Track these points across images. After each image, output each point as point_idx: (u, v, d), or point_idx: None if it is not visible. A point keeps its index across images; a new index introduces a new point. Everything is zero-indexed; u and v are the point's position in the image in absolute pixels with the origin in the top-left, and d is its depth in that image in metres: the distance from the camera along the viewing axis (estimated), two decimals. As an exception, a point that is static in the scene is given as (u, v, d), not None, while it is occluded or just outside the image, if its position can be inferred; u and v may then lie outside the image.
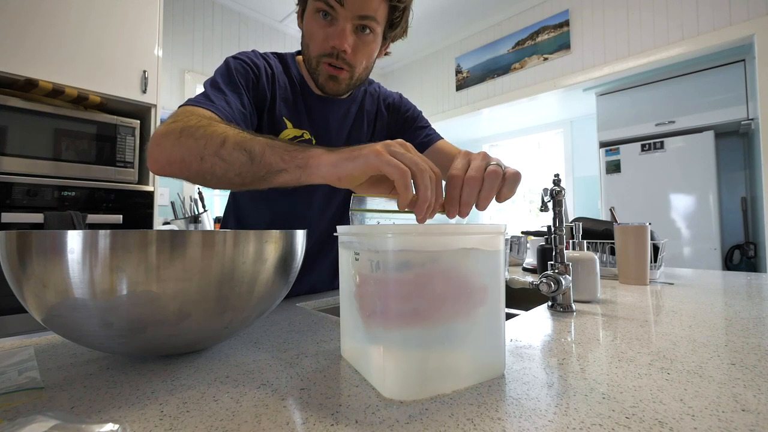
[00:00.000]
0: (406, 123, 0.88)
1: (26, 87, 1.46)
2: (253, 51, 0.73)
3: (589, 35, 2.57)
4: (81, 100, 1.60)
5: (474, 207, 0.39)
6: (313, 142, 0.77)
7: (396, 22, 0.67)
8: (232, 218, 0.84)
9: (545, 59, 2.78)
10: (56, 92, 1.52)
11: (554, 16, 2.75)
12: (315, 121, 0.77)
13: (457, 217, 0.38)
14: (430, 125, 0.90)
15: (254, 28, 3.00)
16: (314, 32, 0.64)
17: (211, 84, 0.64)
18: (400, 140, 0.39)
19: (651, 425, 0.25)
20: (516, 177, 0.40)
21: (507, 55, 3.02)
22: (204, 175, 0.47)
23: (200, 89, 2.94)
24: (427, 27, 3.25)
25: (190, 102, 0.57)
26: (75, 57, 1.59)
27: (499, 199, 0.41)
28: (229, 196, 0.86)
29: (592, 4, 2.56)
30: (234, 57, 0.69)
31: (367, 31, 0.64)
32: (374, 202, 0.41)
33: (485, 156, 0.41)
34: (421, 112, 0.91)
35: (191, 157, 0.47)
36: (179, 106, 0.56)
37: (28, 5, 1.48)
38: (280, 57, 0.77)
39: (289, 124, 0.74)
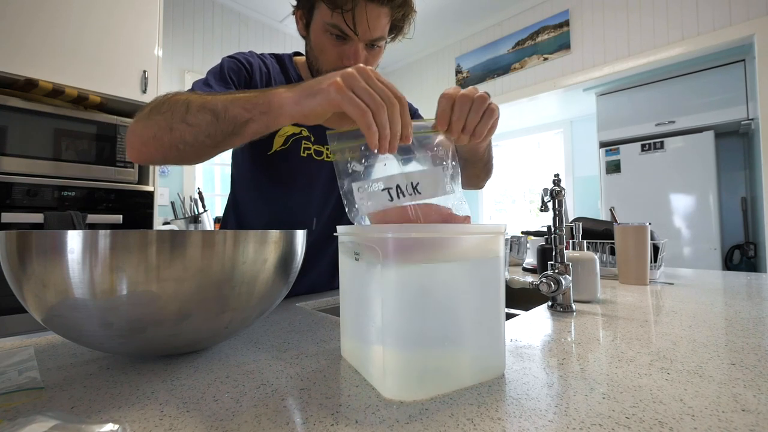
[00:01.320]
0: None
1: (26, 87, 1.46)
2: (249, 51, 0.73)
3: (589, 35, 2.57)
4: (81, 100, 1.60)
5: (468, 138, 0.42)
6: (312, 139, 0.77)
7: (396, 32, 0.69)
8: (232, 218, 0.84)
9: (545, 59, 2.78)
10: (56, 92, 1.52)
11: (554, 16, 2.75)
12: None
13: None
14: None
15: (254, 28, 3.00)
16: (326, 49, 0.64)
17: (202, 81, 0.64)
18: (359, 66, 0.38)
19: (651, 425, 0.25)
20: (495, 113, 0.44)
21: (507, 55, 3.02)
22: (177, 146, 0.46)
23: (200, 89, 2.86)
24: (427, 27, 3.25)
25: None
26: (75, 57, 1.59)
27: (479, 133, 0.44)
28: (229, 196, 0.86)
29: (592, 5, 2.56)
30: (229, 57, 0.69)
31: (376, 47, 0.66)
32: (351, 134, 0.40)
33: (475, 89, 0.44)
34: (417, 109, 0.91)
35: (161, 132, 0.46)
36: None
37: (29, 5, 1.48)
38: (278, 58, 0.77)
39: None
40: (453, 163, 0.40)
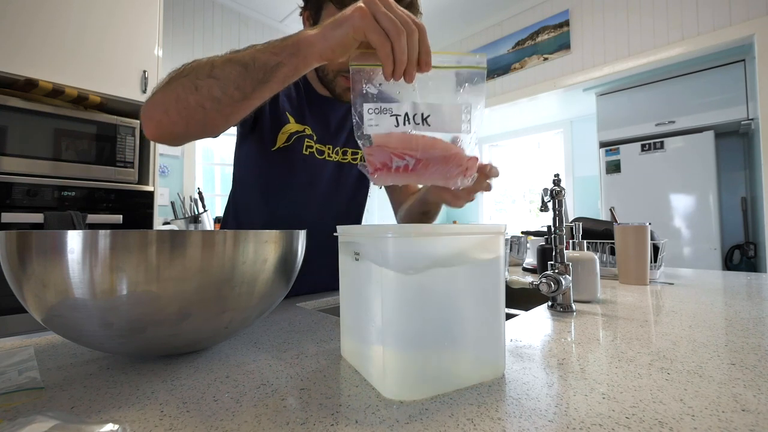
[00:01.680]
0: None
1: (26, 87, 1.46)
2: None
3: (589, 35, 2.57)
4: (81, 100, 1.60)
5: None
6: (315, 138, 0.78)
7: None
8: (232, 219, 0.84)
9: (545, 59, 2.78)
10: (56, 92, 1.52)
11: (554, 16, 2.75)
12: (316, 119, 0.78)
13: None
14: None
15: (254, 28, 3.00)
16: None
17: None
18: None
19: (651, 425, 0.25)
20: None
21: (507, 55, 3.02)
22: (203, 106, 0.45)
23: (200, 89, 2.88)
24: (427, 27, 3.24)
25: None
26: (75, 57, 1.59)
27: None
28: (230, 196, 0.86)
29: (592, 5, 2.56)
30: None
31: None
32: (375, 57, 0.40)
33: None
34: None
35: (185, 92, 0.45)
36: None
37: (29, 5, 1.48)
38: None
39: (291, 119, 0.75)
40: (479, 105, 0.40)
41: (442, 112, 0.39)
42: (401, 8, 0.39)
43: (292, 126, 0.75)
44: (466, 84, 0.40)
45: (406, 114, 0.38)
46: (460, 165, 0.41)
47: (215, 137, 0.53)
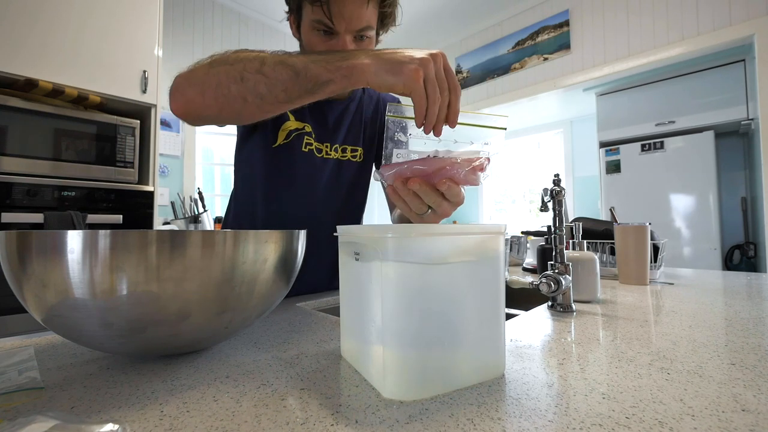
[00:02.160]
0: (375, 140, 0.90)
1: (26, 87, 1.46)
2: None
3: (589, 35, 2.57)
4: (81, 100, 1.60)
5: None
6: (314, 135, 0.78)
7: (386, 22, 0.69)
8: (232, 217, 0.85)
9: (545, 59, 2.78)
10: (56, 92, 1.52)
11: (554, 16, 2.75)
12: (315, 117, 0.79)
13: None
14: None
15: (254, 28, 3.00)
16: (316, 46, 0.65)
17: None
18: (435, 54, 0.42)
19: (651, 425, 0.25)
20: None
21: (507, 55, 3.02)
22: (245, 98, 0.46)
23: (200, 89, 2.84)
24: (427, 27, 3.25)
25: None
26: (75, 57, 1.59)
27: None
28: (231, 195, 0.86)
29: (592, 5, 2.56)
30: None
31: (365, 38, 0.65)
32: (409, 111, 0.45)
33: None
34: None
35: (228, 80, 0.46)
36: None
37: (29, 6, 1.48)
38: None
39: (291, 117, 0.76)
40: (495, 152, 0.44)
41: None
42: (447, 67, 0.43)
43: (292, 123, 0.76)
44: (488, 139, 0.46)
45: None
46: (463, 166, 0.44)
47: (241, 125, 0.53)
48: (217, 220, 2.56)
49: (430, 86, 0.42)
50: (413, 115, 0.43)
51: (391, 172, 0.41)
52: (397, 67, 0.42)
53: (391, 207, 0.93)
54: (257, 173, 0.79)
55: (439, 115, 0.43)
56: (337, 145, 0.82)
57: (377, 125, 0.88)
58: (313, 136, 0.78)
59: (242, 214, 0.83)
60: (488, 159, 0.41)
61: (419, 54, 0.42)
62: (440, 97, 0.42)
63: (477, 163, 0.41)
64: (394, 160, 0.43)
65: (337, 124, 0.82)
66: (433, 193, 0.40)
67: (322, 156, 0.79)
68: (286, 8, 0.70)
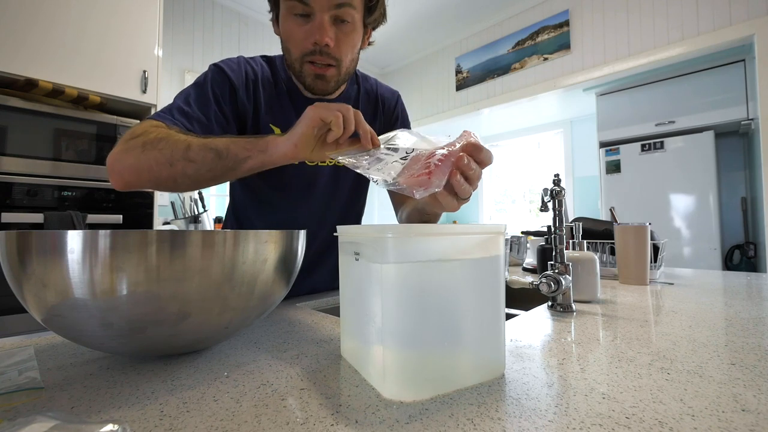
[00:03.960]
0: (391, 126, 0.85)
1: (26, 87, 1.46)
2: (238, 57, 0.72)
3: (589, 35, 2.57)
4: (81, 100, 1.60)
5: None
6: None
7: (373, 6, 0.65)
8: (233, 223, 0.84)
9: (545, 59, 2.78)
10: (56, 92, 1.52)
11: (554, 16, 2.75)
12: None
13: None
14: None
15: (254, 28, 3.00)
16: (292, 32, 0.62)
17: (184, 96, 0.65)
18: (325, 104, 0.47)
19: (651, 425, 0.25)
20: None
21: (507, 55, 3.02)
22: (175, 179, 0.51)
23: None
24: (427, 27, 3.25)
25: (152, 117, 0.60)
26: (75, 57, 1.59)
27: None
28: (229, 200, 0.86)
29: (592, 4, 2.56)
30: (216, 65, 0.68)
31: (346, 21, 0.62)
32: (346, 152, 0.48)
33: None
34: (409, 125, 0.89)
35: (159, 166, 0.51)
36: (143, 120, 0.59)
37: (29, 5, 1.48)
38: (269, 60, 0.75)
39: (277, 131, 0.71)
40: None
41: (424, 143, 0.46)
42: (343, 105, 0.47)
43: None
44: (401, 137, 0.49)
45: (404, 157, 0.44)
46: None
47: None
48: (217, 220, 2.56)
49: (333, 107, 0.46)
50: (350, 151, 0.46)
51: (435, 175, 0.39)
52: (297, 121, 0.47)
53: (396, 206, 0.91)
54: (251, 190, 0.77)
55: (363, 127, 0.46)
56: None
57: (380, 125, 0.84)
58: None
59: (243, 222, 0.82)
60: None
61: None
62: (349, 108, 0.46)
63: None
64: (382, 182, 0.42)
65: None
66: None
67: (315, 164, 0.75)
68: (269, 9, 0.68)
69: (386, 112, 0.85)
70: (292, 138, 0.47)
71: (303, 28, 0.61)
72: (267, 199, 0.77)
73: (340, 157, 0.46)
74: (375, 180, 0.42)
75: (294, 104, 0.74)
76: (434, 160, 0.40)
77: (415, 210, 0.73)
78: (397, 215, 0.90)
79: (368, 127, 0.47)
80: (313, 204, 0.78)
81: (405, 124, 0.87)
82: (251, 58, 0.74)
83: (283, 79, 0.74)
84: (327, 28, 0.60)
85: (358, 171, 0.43)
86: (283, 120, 0.72)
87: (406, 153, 0.44)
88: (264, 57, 0.76)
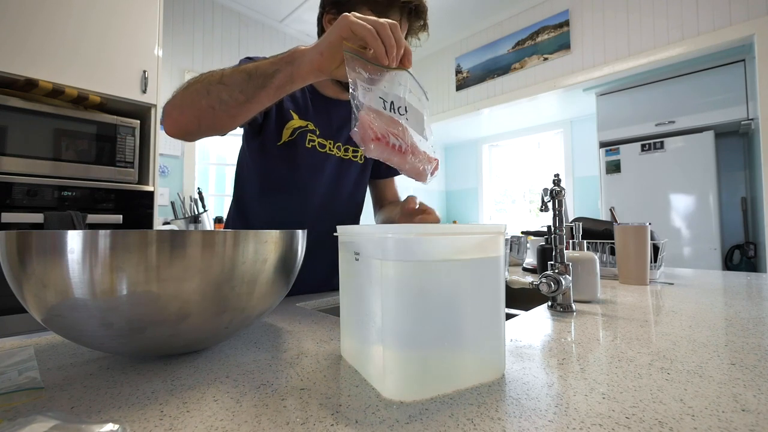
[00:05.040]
0: None
1: (26, 87, 1.46)
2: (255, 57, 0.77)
3: (589, 35, 2.57)
4: (81, 100, 1.60)
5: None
6: (317, 132, 0.80)
7: (414, 29, 0.76)
8: (235, 216, 0.86)
9: (545, 59, 2.78)
10: (56, 92, 1.52)
11: (554, 16, 2.75)
12: (319, 116, 0.81)
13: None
14: None
15: (254, 28, 3.00)
16: None
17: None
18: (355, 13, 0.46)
19: (651, 425, 0.25)
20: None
21: (507, 55, 3.02)
22: (212, 106, 0.53)
23: (200, 89, 2.81)
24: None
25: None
26: (75, 57, 1.59)
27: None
28: (233, 196, 0.88)
29: (592, 4, 2.56)
30: (247, 58, 0.73)
31: None
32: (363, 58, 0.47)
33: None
34: None
35: (199, 96, 0.53)
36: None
37: (29, 6, 1.48)
38: None
39: (294, 116, 0.79)
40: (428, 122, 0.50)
41: (415, 114, 0.46)
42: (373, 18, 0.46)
43: (296, 122, 0.79)
44: (425, 102, 0.49)
45: (392, 102, 0.45)
46: (430, 162, 0.48)
47: (223, 135, 0.60)
48: (217, 220, 2.56)
49: (368, 20, 0.44)
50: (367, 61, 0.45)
51: (372, 118, 0.42)
52: (329, 30, 0.46)
53: (377, 204, 0.98)
54: (262, 170, 0.80)
55: (396, 39, 0.45)
56: (340, 144, 0.84)
57: None
58: (317, 132, 0.80)
59: (245, 212, 0.84)
60: (437, 161, 0.46)
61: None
62: (385, 24, 0.44)
63: (433, 165, 0.45)
64: (360, 91, 0.43)
65: (341, 124, 0.84)
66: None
67: (324, 152, 0.81)
68: (322, 7, 0.74)
69: None
70: (319, 46, 0.46)
71: None
72: (273, 183, 0.81)
73: (349, 50, 0.45)
74: (356, 101, 0.43)
75: (312, 101, 0.81)
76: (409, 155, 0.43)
77: (396, 216, 0.83)
78: (376, 212, 0.98)
79: (405, 43, 0.46)
80: (316, 191, 0.82)
81: None
82: None
83: (306, 86, 0.80)
84: None
85: (354, 85, 0.43)
86: (302, 110, 0.80)
87: (402, 121, 0.44)
88: None
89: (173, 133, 0.58)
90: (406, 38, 0.75)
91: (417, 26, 0.74)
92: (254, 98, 0.51)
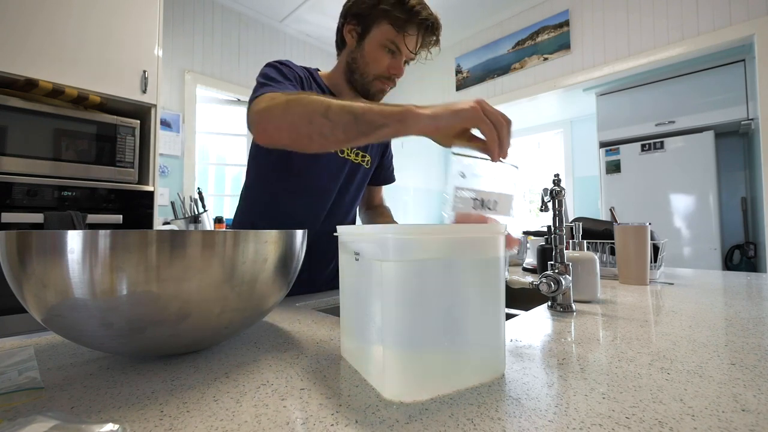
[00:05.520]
0: (384, 151, 0.99)
1: (26, 87, 1.46)
2: (287, 61, 0.79)
3: (589, 35, 2.57)
4: (81, 100, 1.60)
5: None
6: None
7: (426, 46, 0.81)
8: (246, 212, 0.87)
9: (545, 59, 2.78)
10: (56, 92, 1.52)
11: (554, 16, 2.75)
12: None
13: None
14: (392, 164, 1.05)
15: (254, 29, 3.00)
16: (380, 60, 0.77)
17: (261, 82, 0.68)
18: (481, 99, 0.48)
19: (651, 425, 0.25)
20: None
21: (507, 55, 3.02)
22: (311, 136, 0.53)
23: (200, 89, 2.90)
24: (427, 27, 3.24)
25: (266, 91, 0.62)
26: (75, 57, 1.59)
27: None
28: (242, 193, 0.89)
29: (592, 4, 2.56)
30: (276, 62, 0.75)
31: (407, 64, 0.80)
32: (464, 151, 0.49)
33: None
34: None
35: (301, 121, 0.54)
36: (255, 97, 0.62)
37: (29, 6, 1.48)
38: (308, 70, 0.84)
39: None
40: (520, 193, 0.49)
41: (505, 201, 0.49)
42: (495, 109, 0.48)
43: None
44: (513, 182, 0.51)
45: (482, 199, 0.47)
46: (511, 245, 0.49)
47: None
48: (217, 220, 2.56)
49: (493, 115, 0.46)
50: (475, 155, 0.47)
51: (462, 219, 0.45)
52: (454, 107, 0.47)
53: (363, 205, 1.04)
54: (282, 165, 0.80)
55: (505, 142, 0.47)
56: (355, 149, 0.87)
57: (385, 141, 0.96)
58: None
59: (255, 208, 0.85)
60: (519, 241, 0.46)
61: (469, 100, 0.47)
62: (504, 123, 0.47)
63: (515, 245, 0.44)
64: (453, 195, 0.46)
65: None
66: None
67: (343, 157, 0.84)
68: (345, 18, 0.79)
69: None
70: (438, 120, 0.47)
71: (390, 61, 0.77)
72: (287, 179, 0.81)
73: (457, 151, 0.47)
74: (457, 186, 0.45)
75: None
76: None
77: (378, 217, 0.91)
78: (360, 211, 1.04)
79: (508, 142, 0.48)
80: (329, 192, 0.84)
81: (390, 152, 1.04)
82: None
83: (325, 87, 0.83)
84: (402, 69, 0.79)
85: (460, 170, 0.45)
86: None
87: (474, 201, 0.47)
88: (304, 67, 0.85)
89: (263, 142, 0.59)
90: (418, 52, 0.80)
91: (430, 41, 0.79)
92: (354, 140, 0.52)
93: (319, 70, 0.87)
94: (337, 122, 0.52)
